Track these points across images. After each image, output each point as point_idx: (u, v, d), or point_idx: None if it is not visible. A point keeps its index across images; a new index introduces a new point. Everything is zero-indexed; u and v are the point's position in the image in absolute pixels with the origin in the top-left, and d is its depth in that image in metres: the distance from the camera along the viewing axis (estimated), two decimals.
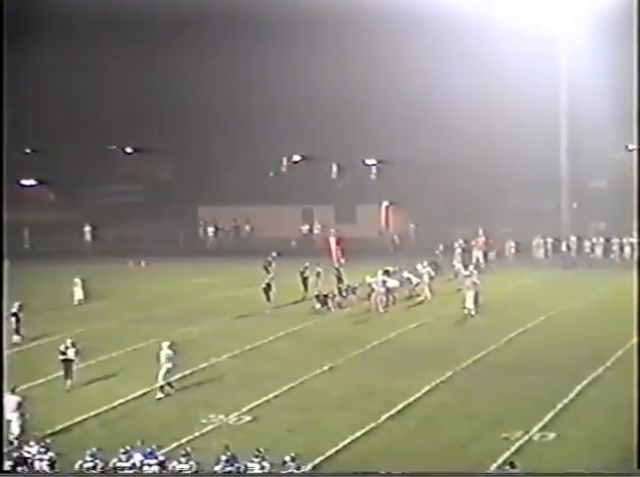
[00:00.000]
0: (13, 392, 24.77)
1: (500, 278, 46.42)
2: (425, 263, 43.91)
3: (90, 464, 20.77)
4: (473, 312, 38.39)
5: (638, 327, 31.89)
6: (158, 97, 68.66)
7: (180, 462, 20.68)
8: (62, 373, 30.06)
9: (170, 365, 28.53)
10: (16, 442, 23.89)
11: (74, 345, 29.30)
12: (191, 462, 20.64)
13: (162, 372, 28.46)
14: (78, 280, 44.16)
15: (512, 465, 20.32)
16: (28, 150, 74.05)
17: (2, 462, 21.44)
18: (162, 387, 28.29)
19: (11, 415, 24.26)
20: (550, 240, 55.22)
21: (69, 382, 28.90)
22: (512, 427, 24.60)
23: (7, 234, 64.92)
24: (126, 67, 68.41)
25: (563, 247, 54.19)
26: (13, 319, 35.43)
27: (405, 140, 65.04)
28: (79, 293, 43.74)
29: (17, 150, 72.46)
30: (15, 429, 24.13)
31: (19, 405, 24.41)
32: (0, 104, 29.46)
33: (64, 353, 29.19)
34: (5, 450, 23.14)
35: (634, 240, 53.52)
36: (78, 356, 29.40)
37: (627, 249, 53.88)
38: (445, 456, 22.10)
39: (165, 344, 29.00)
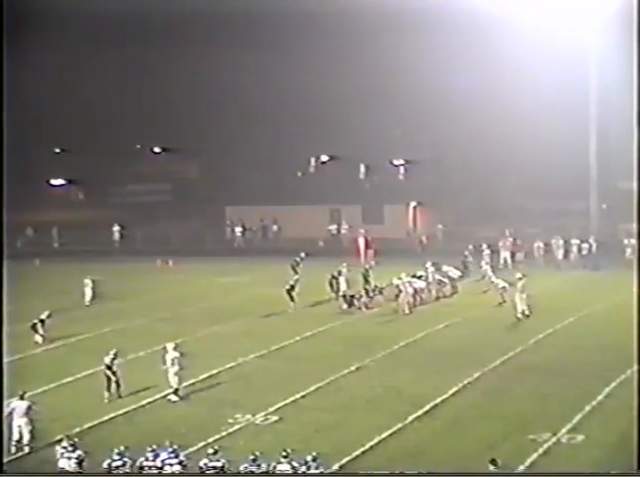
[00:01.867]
0: (22, 397, 24.66)
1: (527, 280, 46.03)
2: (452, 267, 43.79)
3: (119, 463, 20.85)
4: (524, 313, 37.84)
5: (638, 328, 31.93)
6: (186, 97, 68.93)
7: (210, 460, 20.75)
8: (89, 371, 30.31)
9: (177, 367, 28.15)
10: (27, 449, 23.98)
11: (116, 356, 28.62)
12: (220, 460, 20.69)
13: (170, 375, 28.16)
14: (88, 281, 43.84)
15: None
16: (57, 150, 74.54)
17: (2, 462, 21.48)
18: (176, 389, 28.20)
19: (20, 421, 24.13)
20: (574, 242, 54.62)
21: (106, 394, 28.12)
22: (540, 429, 24.47)
23: (37, 232, 65.77)
24: (154, 66, 68.66)
25: (586, 249, 53.70)
26: (39, 325, 35.40)
27: (433, 141, 65.01)
28: (89, 294, 43.56)
29: (46, 150, 73.10)
30: (25, 435, 24.06)
31: (28, 411, 24.30)
32: (0, 105, 29.62)
33: (109, 367, 28.27)
34: (11, 458, 23.25)
35: None
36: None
37: None
38: (472, 457, 21.99)
39: (170, 346, 28.78)
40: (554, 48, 53.77)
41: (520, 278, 39.83)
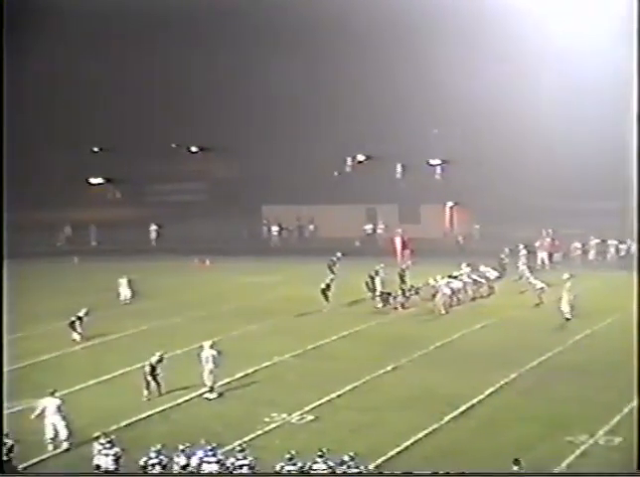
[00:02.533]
0: (53, 394, 24.80)
1: (559, 281, 45.63)
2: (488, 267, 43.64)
3: (155, 461, 20.95)
4: (569, 315, 37.65)
5: (638, 329, 31.65)
6: (223, 96, 69.09)
7: (237, 459, 20.82)
8: (126, 369, 30.53)
9: (212, 365, 28.27)
10: (65, 444, 24.12)
11: (162, 359, 28.71)
12: (248, 459, 20.74)
13: (206, 373, 28.31)
14: (123, 280, 43.86)
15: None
16: (95, 149, 75.00)
17: (2, 462, 21.62)
18: (212, 388, 28.28)
19: (53, 418, 24.27)
20: (612, 243, 54.16)
21: (145, 392, 28.31)
22: (577, 430, 24.32)
23: (75, 231, 66.24)
24: (191, 64, 68.92)
25: (624, 250, 53.23)
26: (77, 322, 35.62)
27: (470, 140, 64.70)
28: (125, 292, 43.68)
29: (85, 149, 73.61)
30: (62, 431, 24.20)
31: (59, 408, 24.42)
32: (0, 105, 29.92)
33: (153, 368, 28.34)
34: (48, 455, 23.39)
35: None
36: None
37: None
38: (508, 458, 21.85)
39: (207, 344, 28.90)
40: (590, 42, 53.39)
41: (567, 279, 39.58)
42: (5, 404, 26.67)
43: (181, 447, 21.18)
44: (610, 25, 51.46)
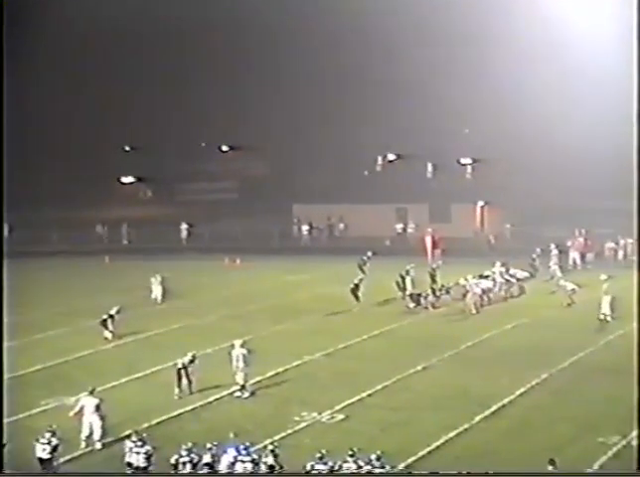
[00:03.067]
0: (92, 393, 24.88)
1: (591, 281, 45.35)
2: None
3: (186, 459, 21.05)
4: (609, 318, 37.31)
5: (638, 329, 31.79)
6: (254, 94, 69.27)
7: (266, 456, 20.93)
8: (157, 367, 30.68)
9: (242, 364, 28.30)
10: (99, 445, 24.21)
11: (194, 359, 28.73)
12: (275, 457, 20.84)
13: (238, 372, 28.35)
14: (155, 279, 43.72)
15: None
16: (127, 148, 75.40)
17: (2, 462, 21.78)
18: (243, 386, 28.36)
19: (91, 417, 24.30)
20: (630, 241, 53.71)
21: (177, 390, 28.35)
22: (609, 431, 24.19)
23: (107, 229, 66.62)
24: (223, 63, 69.14)
25: None
26: (109, 320, 35.80)
27: (501, 139, 64.43)
28: (157, 291, 43.67)
29: (117, 148, 74.05)
30: (97, 431, 24.25)
31: (98, 407, 24.43)
32: (0, 106, 30.11)
33: (185, 368, 28.36)
34: (80, 452, 23.53)
35: None
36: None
37: None
38: (539, 459, 21.77)
39: (238, 342, 28.95)
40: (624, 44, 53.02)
41: (605, 280, 39.30)
42: (40, 402, 27.15)
43: (208, 446, 21.23)
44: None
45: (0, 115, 35.92)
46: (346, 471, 20.23)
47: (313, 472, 20.41)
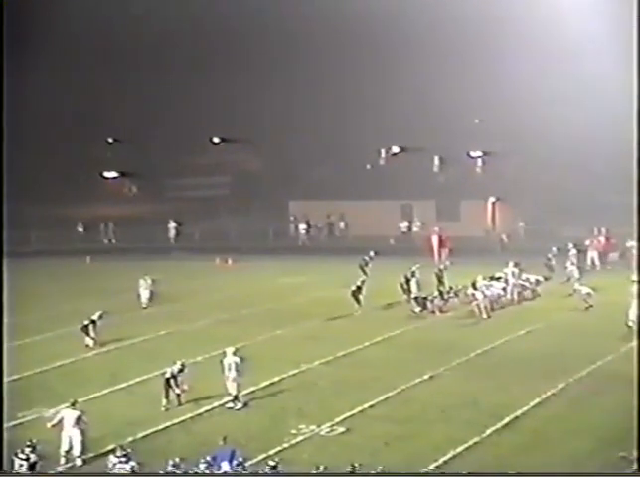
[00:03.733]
0: (73, 406, 24.82)
1: (611, 283, 45.34)
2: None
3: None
4: (630, 323, 36.70)
5: (638, 330, 32.16)
6: (247, 83, 69.25)
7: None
8: (143, 377, 30.67)
9: (235, 373, 28.33)
10: (79, 462, 24.14)
11: (183, 368, 28.67)
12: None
13: (229, 381, 28.38)
14: (144, 281, 43.77)
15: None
16: (110, 140, 75.33)
17: (2, 462, 21.86)
18: (236, 397, 28.38)
19: (70, 431, 24.26)
20: None
21: (164, 401, 28.30)
22: (631, 445, 24.13)
23: (88, 228, 66.65)
24: (214, 50, 69.19)
25: None
26: (91, 326, 35.76)
27: (514, 130, 64.44)
28: (144, 294, 43.60)
29: (99, 140, 73.97)
30: (76, 447, 24.20)
31: (78, 421, 24.39)
32: (0, 102, 30.16)
33: (174, 377, 28.31)
34: (60, 469, 23.55)
35: None
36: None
37: None
38: (556, 475, 21.82)
39: (230, 350, 28.97)
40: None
41: (634, 282, 39.24)
42: (18, 414, 27.09)
43: (202, 460, 21.27)
44: None
45: None
46: None
47: (315, 473, 20.42)
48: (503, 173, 66.13)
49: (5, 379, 28.29)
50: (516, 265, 43.78)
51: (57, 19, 62.21)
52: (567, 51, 59.69)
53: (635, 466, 22.20)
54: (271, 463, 21.38)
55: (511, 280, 42.82)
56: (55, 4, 61.69)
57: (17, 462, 22.11)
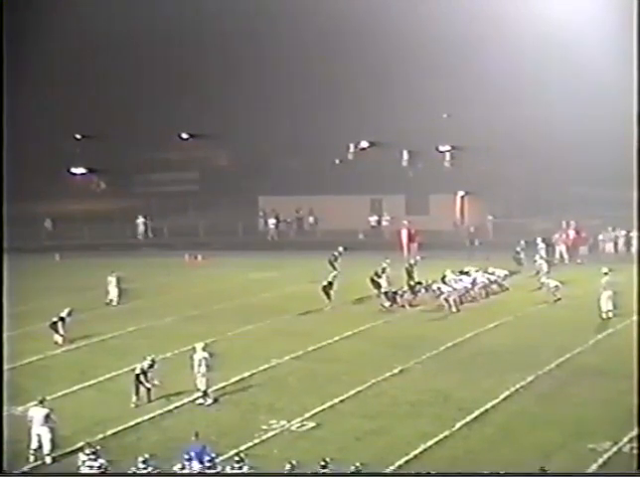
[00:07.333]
0: (41, 404, 24.68)
1: (580, 276, 45.57)
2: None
3: (143, 472, 21.00)
4: (611, 314, 37.30)
5: (638, 329, 32.37)
6: (216, 79, 69.11)
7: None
8: (112, 373, 30.57)
9: (205, 369, 28.24)
10: (48, 459, 24.03)
11: (153, 364, 28.54)
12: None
13: (199, 377, 28.29)
14: (112, 278, 43.48)
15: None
16: (78, 136, 74.95)
17: (2, 462, 21.73)
18: (205, 393, 28.35)
19: (39, 429, 24.11)
20: (623, 233, 54.04)
21: (134, 398, 28.16)
22: (600, 437, 24.32)
23: (57, 225, 66.26)
24: (182, 44, 69.01)
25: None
26: (60, 323, 35.57)
27: (483, 125, 64.67)
28: (113, 291, 43.39)
29: (66, 136, 73.56)
30: (46, 445, 24.08)
31: (47, 419, 24.26)
32: (0, 96, 30.04)
33: (145, 373, 28.17)
34: (29, 466, 23.45)
35: None
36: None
37: None
38: (526, 467, 21.89)
39: (199, 346, 28.89)
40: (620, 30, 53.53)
41: (605, 273, 39.52)
42: None
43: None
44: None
45: None
46: None
47: (311, 472, 20.41)
48: (472, 167, 66.28)
49: None
50: (478, 270, 43.53)
51: (30, 16, 61.83)
52: (540, 48, 60.02)
53: (635, 466, 22.14)
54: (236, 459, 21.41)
55: (479, 277, 42.84)
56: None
57: None
